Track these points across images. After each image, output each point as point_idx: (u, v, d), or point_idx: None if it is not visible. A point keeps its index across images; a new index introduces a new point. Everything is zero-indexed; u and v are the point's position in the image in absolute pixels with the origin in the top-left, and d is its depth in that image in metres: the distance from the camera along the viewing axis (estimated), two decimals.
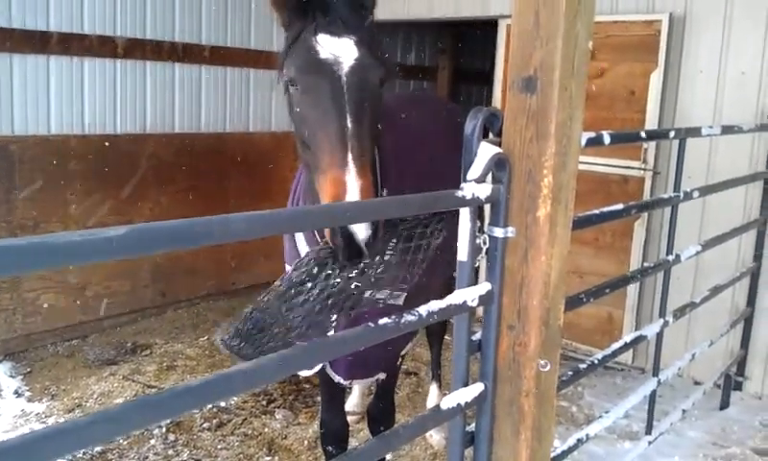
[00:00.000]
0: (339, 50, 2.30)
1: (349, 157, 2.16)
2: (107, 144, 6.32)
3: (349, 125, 2.21)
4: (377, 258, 2.22)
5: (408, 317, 1.91)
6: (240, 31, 7.42)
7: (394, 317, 1.88)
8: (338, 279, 2.14)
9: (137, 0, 6.47)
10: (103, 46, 6.24)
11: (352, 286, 2.17)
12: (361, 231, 2.06)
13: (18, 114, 5.76)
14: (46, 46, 5.85)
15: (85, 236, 1.20)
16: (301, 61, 2.34)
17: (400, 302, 2.63)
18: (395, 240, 2.34)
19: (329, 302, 2.12)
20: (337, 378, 3.16)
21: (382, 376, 3.30)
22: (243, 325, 2.15)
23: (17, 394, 5.19)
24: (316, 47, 2.31)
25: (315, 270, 2.16)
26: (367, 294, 2.27)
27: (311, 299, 2.11)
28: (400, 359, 3.41)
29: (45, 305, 5.99)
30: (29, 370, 5.59)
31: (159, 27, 6.68)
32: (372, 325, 1.83)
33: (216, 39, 7.19)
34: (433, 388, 5.03)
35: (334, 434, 3.46)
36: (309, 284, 2.14)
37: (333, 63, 2.29)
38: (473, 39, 11.11)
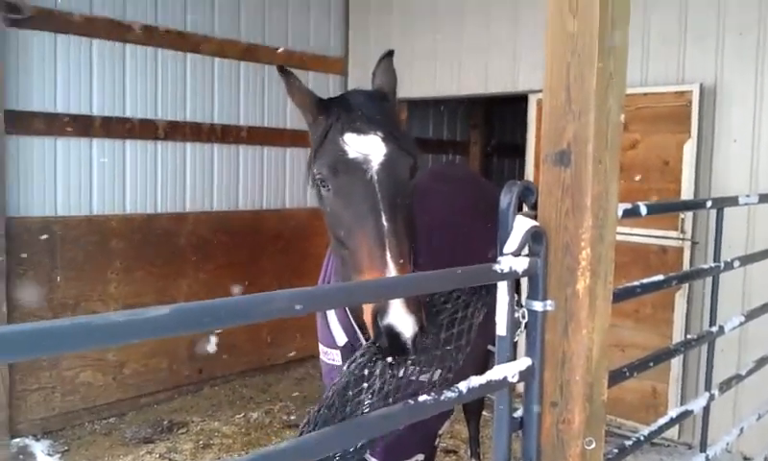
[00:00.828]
0: (367, 148, 2.31)
1: (388, 257, 2.16)
2: (147, 223, 6.46)
3: (385, 224, 2.21)
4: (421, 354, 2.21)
5: (448, 393, 1.88)
6: (276, 111, 7.62)
7: (433, 394, 1.86)
8: (389, 377, 2.14)
9: (177, 84, 6.72)
10: (144, 128, 6.46)
11: (402, 380, 2.16)
12: (407, 330, 2.05)
13: (61, 195, 5.94)
14: (89, 129, 6.07)
15: (129, 317, 1.22)
16: (331, 162, 2.34)
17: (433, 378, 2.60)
18: (435, 331, 2.32)
19: (389, 401, 2.12)
20: None
21: (420, 457, 3.22)
22: (312, 425, 2.15)
23: None
24: (344, 147, 2.32)
25: (366, 371, 2.17)
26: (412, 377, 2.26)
27: (369, 399, 2.12)
28: (438, 438, 3.34)
29: (84, 383, 6.04)
30: (67, 448, 5.60)
31: (199, 109, 6.90)
32: (411, 402, 1.81)
33: (253, 120, 7.40)
34: None
35: None
36: (365, 384, 2.16)
37: (363, 163, 2.30)
38: (504, 114, 11.26)
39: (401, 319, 2.05)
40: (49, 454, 5.47)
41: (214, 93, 7.02)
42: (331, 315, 2.86)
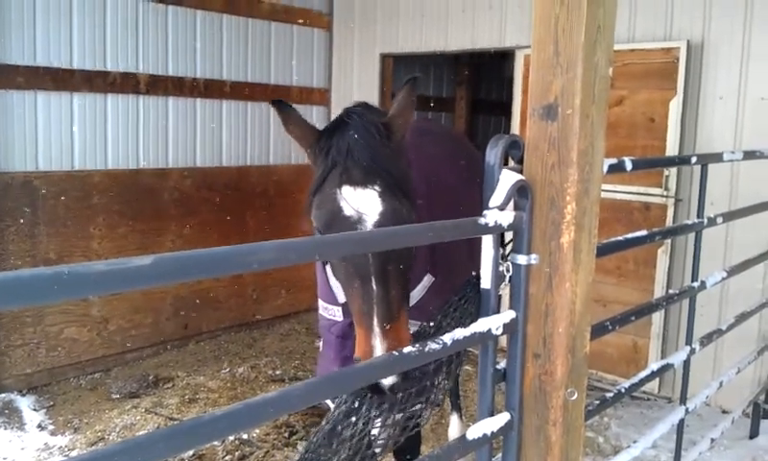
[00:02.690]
0: (362, 205, 2.25)
1: (375, 322, 2.16)
2: (129, 179, 6.40)
3: (375, 288, 2.19)
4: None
5: (432, 345, 1.89)
6: (260, 66, 7.53)
7: (417, 345, 1.87)
8: (377, 412, 2.20)
9: (159, 37, 6.60)
10: (125, 83, 6.35)
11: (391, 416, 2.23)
12: (386, 381, 2.09)
13: (42, 150, 5.86)
14: (69, 83, 5.96)
15: (112, 266, 1.21)
16: (327, 217, 2.30)
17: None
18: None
19: (377, 433, 2.20)
20: None
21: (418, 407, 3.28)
22: None
23: (40, 427, 5.21)
24: (339, 202, 2.26)
25: (356, 404, 2.22)
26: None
27: (358, 432, 2.18)
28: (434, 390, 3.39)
29: (68, 339, 6.03)
30: (52, 403, 5.61)
31: (181, 63, 6.79)
32: (395, 354, 1.82)
33: (237, 75, 7.30)
34: (454, 419, 4.97)
35: None
36: (353, 418, 2.21)
37: (356, 223, 2.25)
38: (490, 70, 11.19)
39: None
40: (35, 409, 5.49)
41: (196, 47, 6.91)
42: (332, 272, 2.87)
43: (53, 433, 5.12)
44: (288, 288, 7.80)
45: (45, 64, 5.81)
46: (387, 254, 2.22)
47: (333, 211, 2.28)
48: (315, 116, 8.11)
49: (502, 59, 9.29)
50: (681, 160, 4.79)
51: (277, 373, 6.31)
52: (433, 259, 2.95)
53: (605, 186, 4.96)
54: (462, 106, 10.56)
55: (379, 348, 2.14)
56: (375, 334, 2.16)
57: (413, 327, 2.58)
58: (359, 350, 2.20)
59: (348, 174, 2.28)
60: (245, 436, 4.97)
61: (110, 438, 5.02)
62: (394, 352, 1.83)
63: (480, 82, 11.20)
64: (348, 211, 2.25)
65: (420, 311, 2.76)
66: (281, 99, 2.53)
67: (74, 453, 4.82)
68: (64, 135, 5.99)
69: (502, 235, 2.17)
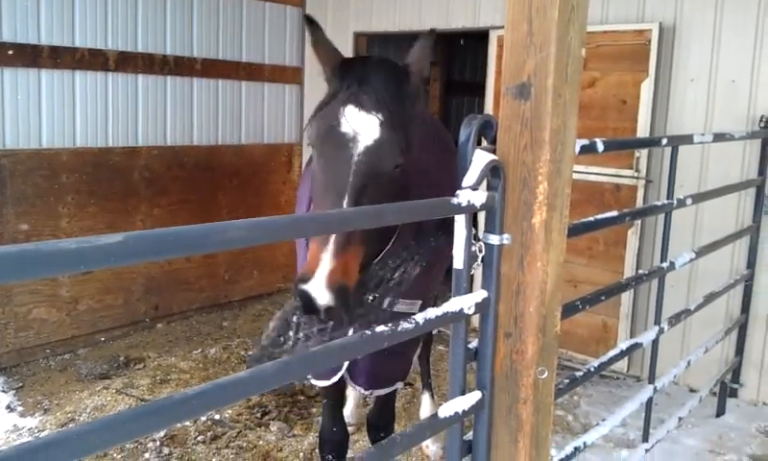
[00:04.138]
0: (359, 127, 2.31)
1: (331, 238, 2.15)
2: (98, 157, 6.30)
3: (344, 206, 2.23)
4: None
5: (405, 325, 1.90)
6: (231, 44, 7.42)
7: (390, 325, 1.88)
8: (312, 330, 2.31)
9: (128, 13, 6.47)
10: (94, 59, 6.23)
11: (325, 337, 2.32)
12: (321, 298, 2.09)
13: (10, 128, 5.73)
14: (37, 60, 5.83)
15: (80, 244, 1.19)
16: (322, 128, 2.36)
17: (415, 310, 2.70)
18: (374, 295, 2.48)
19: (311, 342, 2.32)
20: (358, 389, 3.19)
21: (400, 385, 3.32)
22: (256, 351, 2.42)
23: (9, 409, 5.14)
24: (339, 117, 2.33)
25: (293, 318, 2.36)
26: (384, 304, 2.46)
27: (298, 341, 2.33)
28: (412, 365, 3.43)
29: (37, 319, 5.95)
30: (21, 384, 5.54)
31: (151, 40, 6.68)
32: (368, 333, 1.82)
33: (208, 52, 7.19)
34: (425, 398, 5.01)
35: (336, 442, 3.45)
36: (291, 333, 2.34)
37: (349, 140, 2.30)
38: (464, 51, 11.18)
39: (314, 289, 2.09)
40: (3, 391, 5.41)
41: (166, 22, 6.79)
42: None
43: (22, 415, 5.06)
44: (260, 269, 7.76)
45: (11, 40, 5.67)
46: (370, 174, 2.29)
47: (331, 125, 2.34)
48: (287, 95, 8.05)
49: (476, 40, 9.29)
50: (651, 142, 4.85)
51: (250, 354, 6.28)
52: (415, 240, 2.97)
53: (577, 168, 4.99)
54: (436, 86, 10.55)
55: (327, 262, 2.11)
56: (326, 250, 2.14)
57: (405, 306, 2.65)
58: (306, 264, 2.18)
59: (357, 97, 2.36)
60: (217, 416, 4.96)
61: (81, 419, 4.97)
62: (365, 332, 1.82)
63: (454, 63, 11.19)
64: (344, 128, 2.32)
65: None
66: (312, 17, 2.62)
67: (44, 435, 4.77)
68: (32, 113, 5.87)
69: (475, 215, 2.17)
